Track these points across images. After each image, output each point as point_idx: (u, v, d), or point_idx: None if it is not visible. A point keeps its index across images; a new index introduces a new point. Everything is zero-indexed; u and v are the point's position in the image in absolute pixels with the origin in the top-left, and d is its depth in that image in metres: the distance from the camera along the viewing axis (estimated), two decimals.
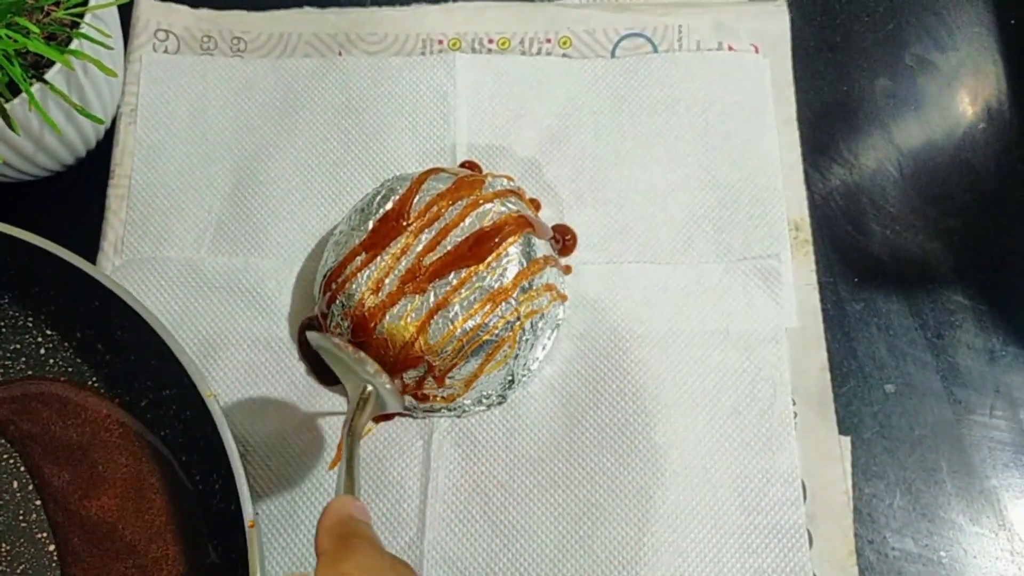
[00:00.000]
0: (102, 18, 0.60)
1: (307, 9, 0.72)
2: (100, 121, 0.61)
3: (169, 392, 0.57)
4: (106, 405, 0.58)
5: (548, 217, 0.66)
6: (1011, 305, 0.64)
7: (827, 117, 0.69)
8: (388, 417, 0.61)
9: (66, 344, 0.60)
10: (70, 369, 0.60)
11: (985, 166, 0.67)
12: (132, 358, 0.58)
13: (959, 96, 0.70)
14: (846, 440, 0.60)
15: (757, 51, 0.70)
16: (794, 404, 0.61)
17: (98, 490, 0.57)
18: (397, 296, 0.57)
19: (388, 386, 0.54)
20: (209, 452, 0.52)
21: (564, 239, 0.65)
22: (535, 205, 0.66)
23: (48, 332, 0.60)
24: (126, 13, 0.70)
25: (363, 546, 0.42)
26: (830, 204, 0.66)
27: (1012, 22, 0.71)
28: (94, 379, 0.59)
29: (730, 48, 0.70)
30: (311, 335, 0.57)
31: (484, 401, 0.61)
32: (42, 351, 0.60)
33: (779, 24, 0.70)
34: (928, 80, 0.70)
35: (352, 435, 0.51)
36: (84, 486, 0.57)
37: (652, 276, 0.64)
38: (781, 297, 0.63)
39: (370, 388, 0.53)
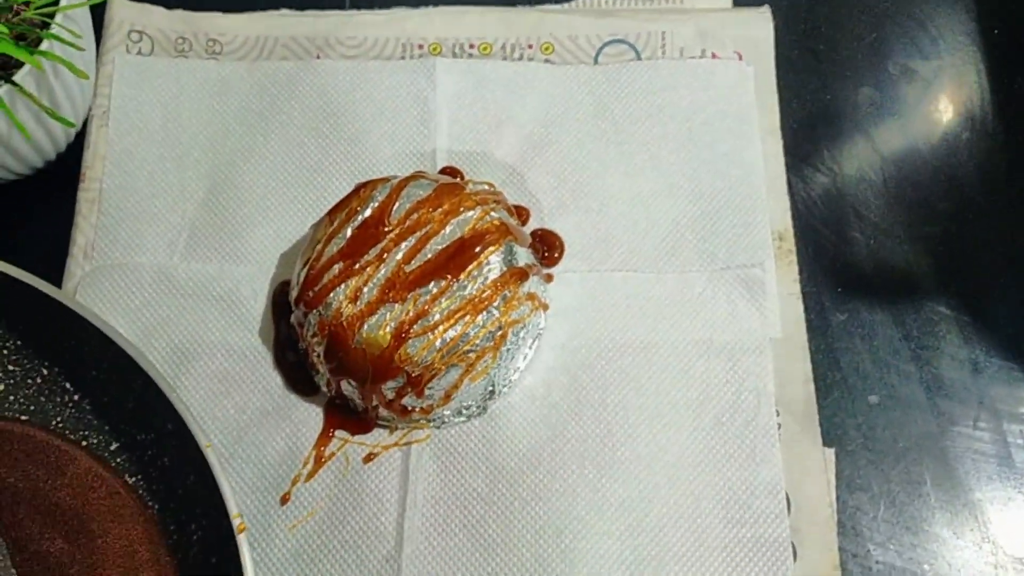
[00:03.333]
0: (73, 19, 0.59)
1: (284, 11, 0.71)
2: (71, 124, 0.60)
3: (145, 436, 0.54)
4: (81, 455, 0.54)
5: (530, 224, 0.65)
6: (994, 316, 0.63)
7: (810, 126, 0.68)
8: (365, 429, 0.60)
9: (29, 381, 0.56)
10: (32, 407, 0.55)
11: (968, 175, 0.67)
12: (105, 399, 0.55)
13: (942, 105, 0.70)
14: (830, 452, 0.59)
15: (741, 58, 0.69)
16: (778, 415, 0.60)
17: (100, 568, 0.52)
18: (376, 305, 0.56)
19: None
20: (188, 501, 0.50)
21: (550, 249, 0.64)
22: (518, 212, 0.65)
23: (10, 368, 0.56)
24: (98, 14, 0.69)
25: None
26: (813, 213, 0.66)
27: (995, 31, 0.71)
28: (58, 420, 0.55)
29: (714, 55, 0.69)
30: None
31: (464, 412, 0.59)
32: (1, 387, 0.56)
33: (763, 31, 0.70)
34: (911, 89, 0.70)
35: None
36: (86, 563, 0.52)
37: (635, 285, 0.63)
38: (765, 307, 0.62)
39: None
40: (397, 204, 0.58)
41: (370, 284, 0.56)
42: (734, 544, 0.57)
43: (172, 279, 0.63)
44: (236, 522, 0.48)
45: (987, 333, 0.63)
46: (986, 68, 0.70)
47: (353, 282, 0.56)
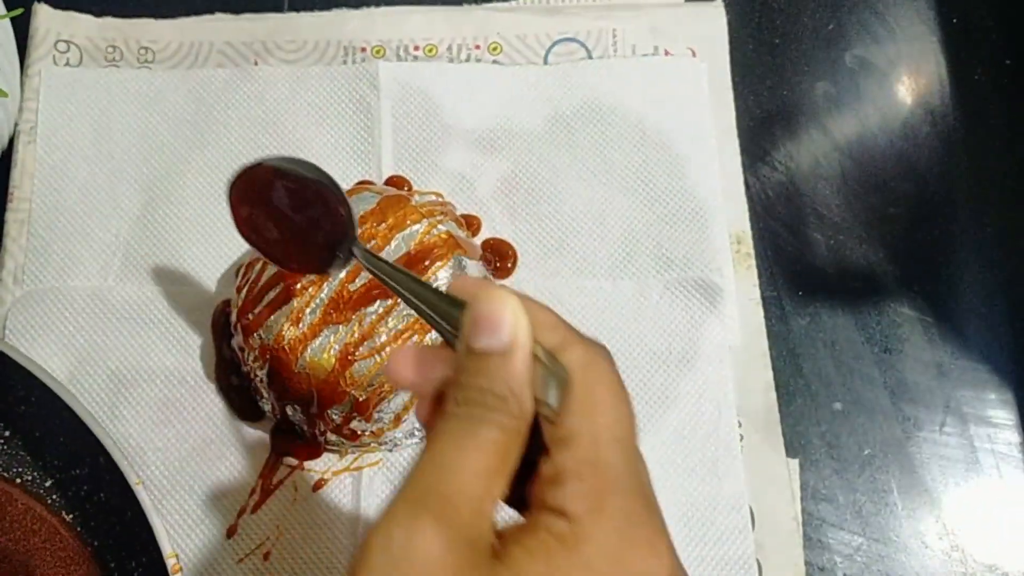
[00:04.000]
0: None
1: (220, 15, 0.68)
2: None
3: (79, 472, 0.52)
4: (19, 493, 0.53)
5: (481, 234, 0.62)
6: (959, 316, 0.62)
7: (767, 123, 0.66)
8: (314, 454, 0.57)
9: None
10: None
11: (930, 171, 0.65)
12: (37, 435, 0.53)
13: (901, 98, 0.68)
14: (794, 463, 0.58)
15: (694, 55, 0.67)
16: (740, 426, 0.58)
17: None
18: (319, 327, 0.53)
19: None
20: (127, 538, 0.48)
21: (503, 259, 0.62)
22: (468, 221, 0.62)
23: None
24: (23, 24, 0.65)
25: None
26: (772, 215, 0.64)
27: (954, 20, 0.69)
28: None
29: (666, 53, 0.67)
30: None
31: (417, 434, 0.57)
32: None
33: (716, 26, 0.68)
34: (870, 82, 0.68)
35: None
36: None
37: (591, 294, 0.61)
38: (724, 314, 0.60)
39: None
40: None
41: (312, 305, 0.54)
42: (697, 563, 0.55)
43: (107, 302, 0.60)
44: (171, 562, 0.46)
45: (952, 334, 0.61)
46: (945, 59, 0.69)
47: (294, 303, 0.54)
